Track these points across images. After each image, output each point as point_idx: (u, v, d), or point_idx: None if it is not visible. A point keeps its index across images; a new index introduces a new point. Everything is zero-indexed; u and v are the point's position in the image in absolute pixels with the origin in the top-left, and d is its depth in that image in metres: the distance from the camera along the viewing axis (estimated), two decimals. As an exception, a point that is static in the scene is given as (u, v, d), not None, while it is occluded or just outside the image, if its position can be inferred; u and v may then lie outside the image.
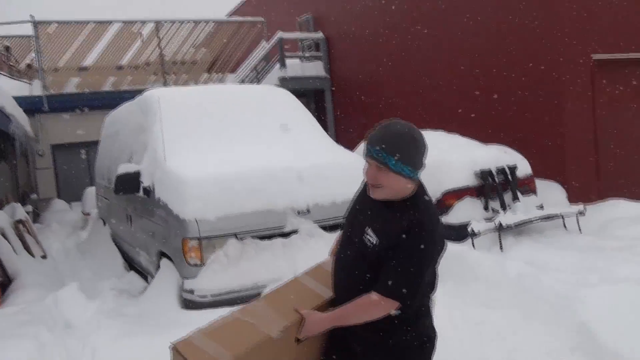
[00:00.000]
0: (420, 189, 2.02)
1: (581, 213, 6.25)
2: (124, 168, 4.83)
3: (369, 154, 1.94)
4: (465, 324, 4.01)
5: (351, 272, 2.03)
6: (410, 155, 1.93)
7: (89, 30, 13.11)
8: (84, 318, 4.27)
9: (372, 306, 1.92)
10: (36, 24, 12.43)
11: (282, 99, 5.58)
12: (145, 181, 4.70)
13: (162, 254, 4.53)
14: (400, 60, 11.17)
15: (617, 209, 6.61)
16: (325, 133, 5.60)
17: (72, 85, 12.66)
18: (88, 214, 9.89)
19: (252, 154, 4.60)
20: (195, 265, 4.01)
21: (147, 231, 4.86)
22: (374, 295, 1.91)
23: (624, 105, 8.47)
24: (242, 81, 13.55)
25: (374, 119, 9.48)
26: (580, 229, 6.18)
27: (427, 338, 2.08)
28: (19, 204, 7.01)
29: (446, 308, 4.06)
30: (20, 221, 6.09)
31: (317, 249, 4.30)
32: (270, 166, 4.33)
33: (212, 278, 3.95)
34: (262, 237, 4.16)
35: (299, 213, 4.29)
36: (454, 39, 9.71)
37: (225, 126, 4.88)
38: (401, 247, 1.89)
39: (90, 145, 13.47)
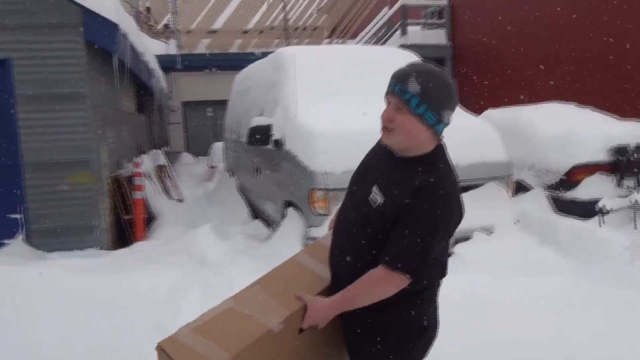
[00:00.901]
0: (441, 150, 1.77)
1: None
2: (257, 121, 5.13)
3: (390, 92, 1.68)
4: (590, 301, 3.84)
5: (353, 239, 1.77)
6: (437, 101, 1.66)
7: (220, -6, 13.82)
8: (217, 255, 4.68)
9: (380, 282, 1.66)
10: (173, -13, 13.32)
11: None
12: (276, 134, 4.97)
13: (288, 204, 4.80)
14: (528, 31, 10.58)
15: None
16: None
17: (202, 46, 13.47)
18: (214, 167, 10.59)
19: (378, 115, 4.68)
20: (321, 214, 4.22)
21: (275, 182, 5.16)
22: (380, 269, 1.66)
23: None
24: (362, 47, 13.57)
25: (496, 90, 9.22)
26: None
27: (426, 326, 1.80)
28: (160, 151, 7.70)
29: (570, 282, 3.95)
30: (161, 166, 6.71)
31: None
32: None
33: (336, 228, 4.13)
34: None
35: (422, 174, 4.34)
36: (591, 9, 9.01)
37: (353, 85, 5.00)
38: (410, 210, 1.63)
39: (216, 104, 14.30)
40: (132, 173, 5.66)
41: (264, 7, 14.14)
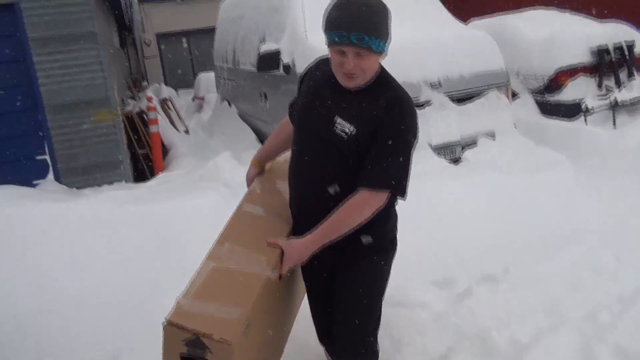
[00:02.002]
0: (382, 67, 1.81)
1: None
2: (266, 47, 5.30)
3: (347, 42, 1.63)
4: (583, 190, 4.31)
5: (328, 174, 1.78)
6: (385, 29, 1.68)
7: None
8: (239, 180, 5.00)
9: (365, 205, 1.71)
10: None
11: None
12: (285, 59, 5.18)
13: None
14: None
15: None
16: (448, 11, 5.77)
17: (172, -26, 13.07)
18: (202, 98, 10.67)
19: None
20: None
21: (286, 104, 5.40)
22: (363, 192, 1.70)
23: None
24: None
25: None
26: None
27: (394, 240, 1.95)
28: (163, 84, 7.79)
29: (568, 174, 4.42)
30: (165, 100, 6.84)
31: (447, 119, 4.73)
32: (406, 42, 4.63)
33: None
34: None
35: (431, 85, 4.67)
36: None
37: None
38: (384, 129, 1.69)
39: (191, 34, 14.04)
40: (146, 107, 5.83)
41: None
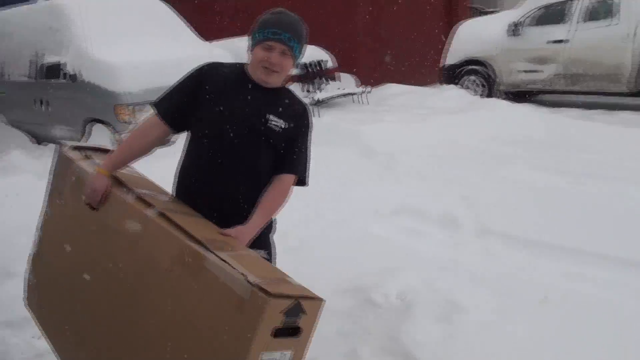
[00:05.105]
0: None
1: (367, 92, 9.29)
2: (50, 60, 6.38)
3: (278, 38, 1.89)
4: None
5: (255, 163, 1.99)
6: (304, 43, 1.99)
7: None
8: (40, 168, 5.97)
9: (290, 187, 2.01)
10: None
11: (160, 8, 7.44)
12: (70, 70, 6.35)
13: (92, 121, 6.32)
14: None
15: (390, 89, 9.86)
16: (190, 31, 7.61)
17: None
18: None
19: (150, 48, 6.51)
20: (130, 123, 5.96)
21: (73, 108, 6.53)
22: (289, 177, 2.00)
23: (398, 18, 11.70)
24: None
25: (201, 22, 11.41)
26: (367, 102, 9.25)
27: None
28: None
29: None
30: None
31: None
32: (164, 56, 6.21)
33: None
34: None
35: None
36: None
37: (127, 27, 6.63)
38: (303, 128, 2.04)
39: None
40: None
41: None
